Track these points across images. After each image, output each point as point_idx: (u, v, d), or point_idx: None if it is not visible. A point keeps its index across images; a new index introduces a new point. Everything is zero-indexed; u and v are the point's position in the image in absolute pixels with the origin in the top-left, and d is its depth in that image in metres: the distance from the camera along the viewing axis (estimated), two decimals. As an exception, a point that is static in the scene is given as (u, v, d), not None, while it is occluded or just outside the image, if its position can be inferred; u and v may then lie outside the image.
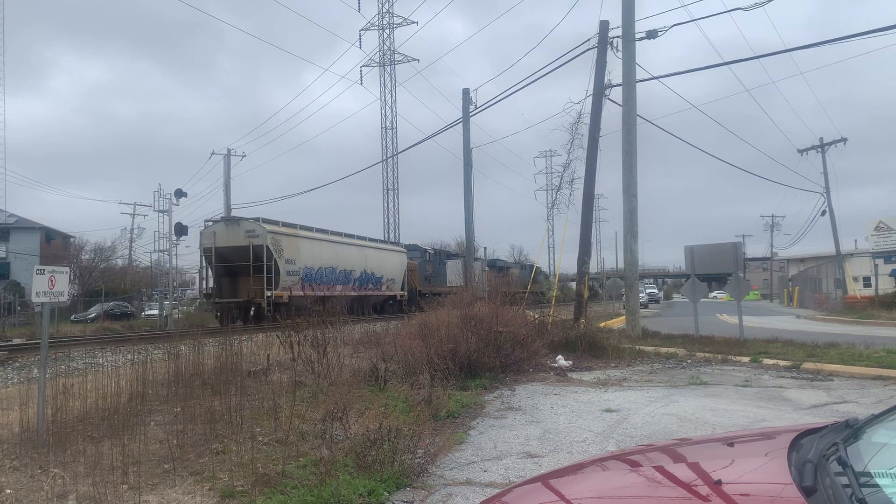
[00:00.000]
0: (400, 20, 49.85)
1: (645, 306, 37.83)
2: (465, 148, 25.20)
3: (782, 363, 11.05)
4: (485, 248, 44.37)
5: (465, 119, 24.82)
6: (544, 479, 2.40)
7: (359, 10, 50.17)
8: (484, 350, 9.65)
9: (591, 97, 17.29)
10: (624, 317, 20.23)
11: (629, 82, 16.20)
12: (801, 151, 39.63)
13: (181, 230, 32.10)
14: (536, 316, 14.74)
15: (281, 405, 6.48)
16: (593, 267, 48.71)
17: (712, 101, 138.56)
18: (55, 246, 49.06)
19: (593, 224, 18.88)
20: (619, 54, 16.41)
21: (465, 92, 24.74)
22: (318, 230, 27.10)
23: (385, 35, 50.15)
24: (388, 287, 31.48)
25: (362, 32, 50.81)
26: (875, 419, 2.13)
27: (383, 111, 50.68)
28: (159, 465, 4.92)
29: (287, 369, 8.32)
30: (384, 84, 50.79)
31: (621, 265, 20.61)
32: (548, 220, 55.75)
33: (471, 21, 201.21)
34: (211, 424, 5.76)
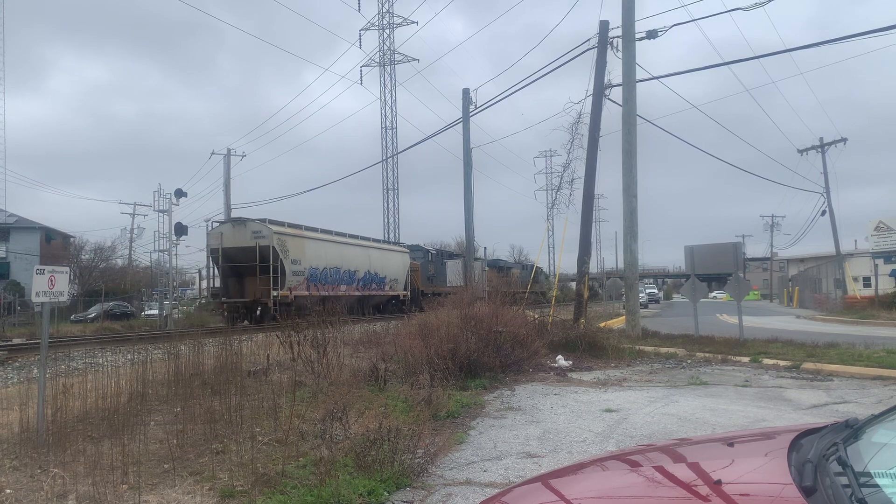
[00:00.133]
0: (400, 20, 49.94)
1: (645, 306, 37.84)
2: (465, 148, 25.23)
3: (782, 363, 11.05)
4: (485, 248, 44.37)
5: (465, 119, 24.83)
6: (544, 479, 2.40)
7: (359, 10, 50.16)
8: (484, 350, 9.65)
9: (591, 97, 17.31)
10: (624, 317, 20.23)
11: (629, 82, 16.21)
12: (801, 151, 39.67)
13: (181, 230, 32.10)
14: (536, 316, 14.74)
15: (281, 405, 6.48)
16: (593, 267, 48.76)
17: (712, 101, 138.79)
18: (55, 246, 49.06)
19: (593, 224, 18.90)
20: (619, 54, 16.41)
21: (465, 92, 24.77)
22: (323, 231, 27.31)
23: (385, 35, 50.22)
24: (391, 287, 31.62)
25: (362, 32, 50.92)
26: (875, 419, 2.13)
27: (383, 111, 50.77)
28: (159, 465, 4.92)
29: (287, 369, 8.32)
30: (384, 84, 50.88)
31: (621, 265, 20.61)
32: (548, 220, 55.78)
33: (471, 21, 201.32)
34: (211, 424, 5.76)
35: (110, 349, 13.59)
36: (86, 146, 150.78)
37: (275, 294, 22.58)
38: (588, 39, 17.18)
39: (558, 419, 6.92)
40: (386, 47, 50.31)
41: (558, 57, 19.38)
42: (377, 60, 50.05)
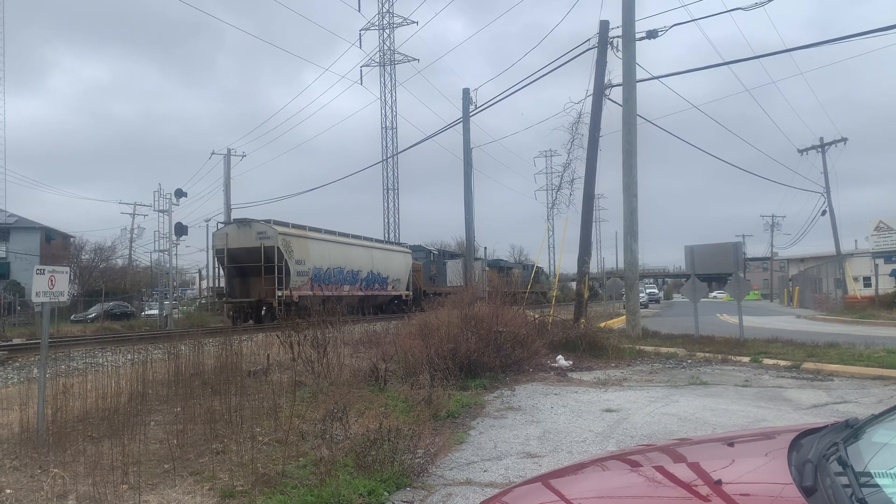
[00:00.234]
0: (400, 20, 49.94)
1: (645, 306, 37.82)
2: (465, 148, 25.23)
3: (782, 363, 11.05)
4: (485, 248, 44.41)
5: (465, 119, 24.83)
6: (544, 479, 2.40)
7: (359, 10, 50.11)
8: (484, 350, 9.64)
9: (591, 97, 17.31)
10: (624, 317, 20.23)
11: (629, 82, 16.20)
12: (801, 151, 39.68)
13: (181, 230, 32.13)
14: (537, 316, 14.74)
15: (281, 405, 6.47)
16: (593, 267, 48.73)
17: (712, 100, 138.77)
18: (55, 246, 49.05)
19: (593, 224, 18.88)
20: (619, 54, 16.41)
21: (465, 92, 24.78)
22: (327, 231, 27.43)
23: (385, 35, 50.22)
24: (393, 287, 31.72)
25: (362, 32, 50.91)
26: (875, 419, 2.13)
27: (383, 111, 50.76)
28: (159, 465, 4.92)
29: (287, 369, 8.32)
30: (384, 84, 50.87)
31: (621, 265, 20.61)
32: (548, 220, 55.79)
33: (470, 21, 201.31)
34: (211, 424, 5.76)
35: (110, 349, 13.60)
36: (85, 146, 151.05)
37: (280, 294, 22.70)
38: (588, 39, 17.20)
39: (558, 419, 6.92)
40: (386, 47, 50.36)
41: (558, 57, 19.41)
42: (377, 60, 50.09)
